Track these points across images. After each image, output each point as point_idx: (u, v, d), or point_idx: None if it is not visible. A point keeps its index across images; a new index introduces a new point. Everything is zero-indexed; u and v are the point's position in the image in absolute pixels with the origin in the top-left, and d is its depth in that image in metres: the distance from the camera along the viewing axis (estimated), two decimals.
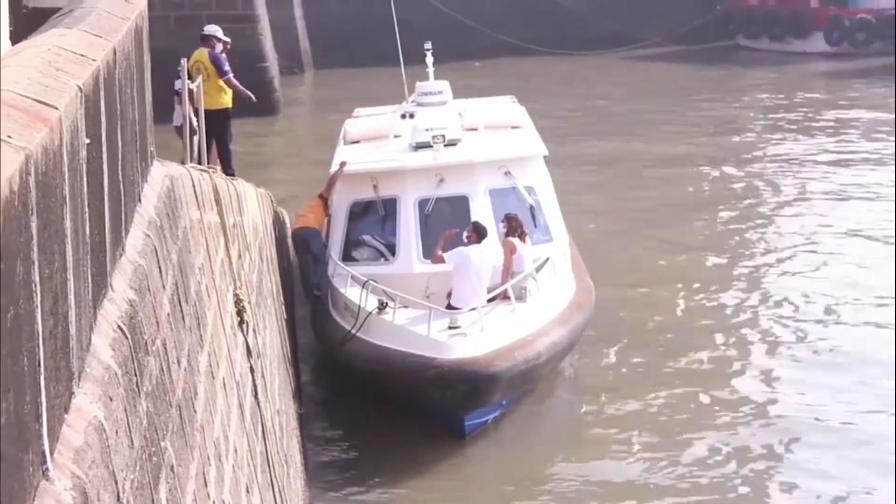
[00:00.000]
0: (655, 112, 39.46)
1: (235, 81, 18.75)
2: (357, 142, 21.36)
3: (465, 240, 17.74)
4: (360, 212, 19.44)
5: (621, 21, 50.95)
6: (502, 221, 18.11)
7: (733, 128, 37.69)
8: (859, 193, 28.89)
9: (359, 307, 17.21)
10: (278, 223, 21.74)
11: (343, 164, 19.65)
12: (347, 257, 18.97)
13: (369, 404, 17.41)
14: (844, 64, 47.82)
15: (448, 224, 18.46)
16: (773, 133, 36.98)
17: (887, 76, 43.89)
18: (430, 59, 22.63)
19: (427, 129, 19.62)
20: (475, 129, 20.47)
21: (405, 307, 17.24)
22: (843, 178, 30.45)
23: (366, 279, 17.65)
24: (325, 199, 19.79)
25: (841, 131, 36.41)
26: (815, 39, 50.67)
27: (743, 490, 15.33)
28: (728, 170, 32.08)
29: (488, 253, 17.49)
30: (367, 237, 19.20)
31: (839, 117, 38.54)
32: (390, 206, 19.13)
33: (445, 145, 19.41)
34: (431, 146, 19.38)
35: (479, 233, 17.71)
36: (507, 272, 17.60)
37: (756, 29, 52.56)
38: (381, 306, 17.14)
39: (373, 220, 19.29)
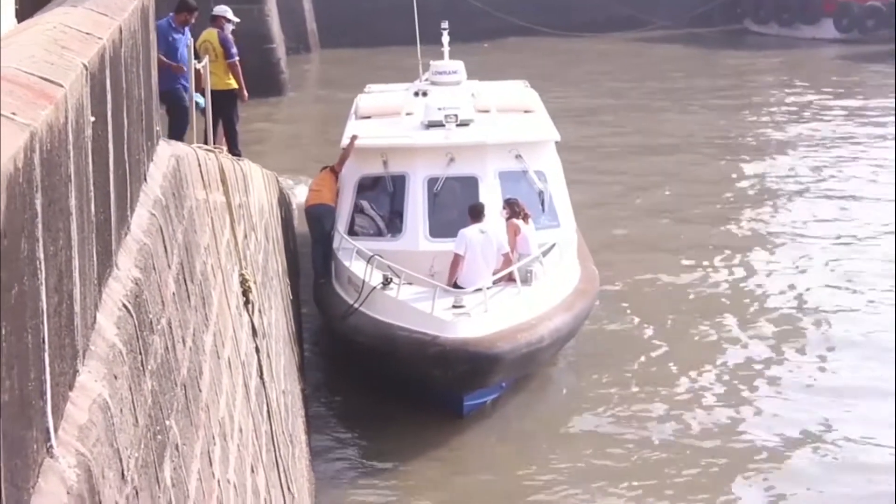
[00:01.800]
0: (663, 96, 39.35)
1: (239, 68, 18.68)
2: (369, 117, 21.30)
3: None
4: (369, 186, 19.41)
5: (630, 4, 50.80)
6: (503, 207, 18.04)
7: (741, 111, 37.57)
8: (867, 190, 28.70)
9: (363, 281, 17.19)
10: (284, 203, 21.74)
11: (354, 137, 19.62)
12: (353, 231, 18.94)
13: (372, 385, 17.40)
14: (853, 49, 47.67)
15: (456, 204, 18.42)
16: (781, 117, 36.86)
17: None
18: (446, 38, 22.62)
19: (440, 108, 19.58)
20: (487, 111, 20.41)
21: (409, 284, 17.22)
22: (854, 168, 30.26)
23: (371, 254, 17.63)
24: (336, 173, 19.75)
25: (850, 118, 36.28)
26: (825, 25, 50.50)
27: (742, 476, 15.34)
28: (735, 155, 31.99)
29: (490, 233, 17.43)
30: (365, 204, 19.12)
31: (848, 104, 38.41)
32: (399, 182, 19.10)
33: (457, 125, 19.37)
34: (443, 125, 19.34)
35: (472, 213, 17.65)
36: (511, 255, 17.57)
37: (765, 14, 52.40)
38: (386, 282, 17.12)
39: (381, 195, 19.27)
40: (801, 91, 40.74)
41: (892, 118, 34.67)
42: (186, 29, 17.03)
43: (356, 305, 17.19)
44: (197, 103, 16.47)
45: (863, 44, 48.44)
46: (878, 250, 23.45)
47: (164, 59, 15.91)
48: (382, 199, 19.22)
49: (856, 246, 23.94)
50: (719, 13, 52.96)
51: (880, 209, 26.10)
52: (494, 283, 17.09)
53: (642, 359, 18.69)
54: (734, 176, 29.76)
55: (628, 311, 20.43)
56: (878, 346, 18.96)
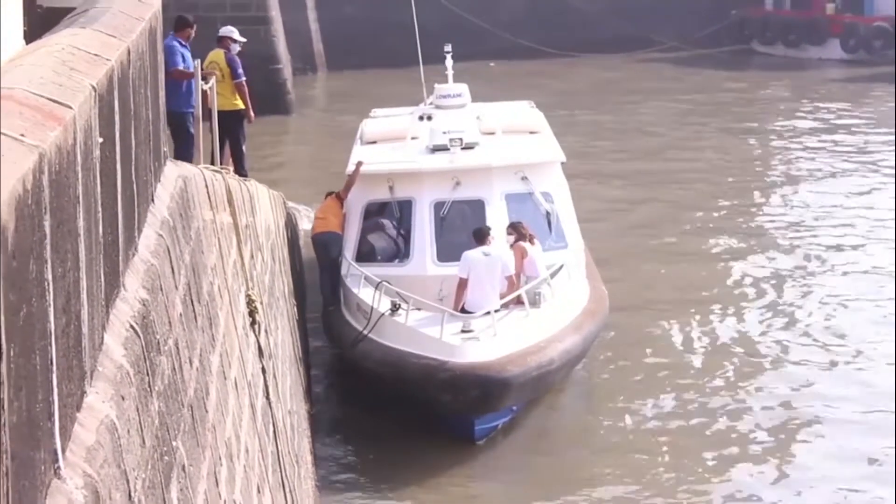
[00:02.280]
0: (668, 117, 39.37)
1: (245, 89, 18.71)
2: (374, 142, 21.23)
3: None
4: (376, 212, 19.39)
5: (636, 24, 50.87)
6: (508, 231, 18.00)
7: (748, 132, 37.60)
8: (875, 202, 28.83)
9: (371, 308, 17.18)
10: (290, 224, 21.74)
11: (360, 163, 19.59)
12: (361, 257, 18.91)
13: (380, 406, 17.36)
14: (860, 70, 47.69)
15: (463, 227, 18.37)
16: (788, 138, 36.87)
17: None
18: (449, 61, 22.58)
19: (444, 132, 19.53)
20: (493, 133, 20.34)
21: (418, 309, 17.18)
22: (859, 184, 30.37)
23: (379, 280, 17.61)
24: (341, 200, 19.75)
25: (857, 138, 36.28)
26: (831, 46, 50.53)
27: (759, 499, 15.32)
28: (741, 174, 32.01)
29: (495, 255, 17.40)
30: (374, 236, 19.12)
31: (855, 123, 38.43)
32: (406, 207, 19.07)
33: (462, 148, 19.30)
34: (448, 149, 19.28)
35: (477, 237, 17.60)
36: (520, 277, 17.53)
37: (771, 35, 52.44)
38: (394, 308, 17.09)
39: (388, 221, 19.24)
40: (807, 113, 40.71)
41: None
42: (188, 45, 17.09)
43: (365, 332, 17.14)
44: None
45: (870, 65, 48.46)
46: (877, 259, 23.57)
47: (184, 71, 16.01)
48: (389, 224, 19.19)
49: (861, 259, 24.01)
50: (726, 34, 53.02)
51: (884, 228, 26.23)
52: (502, 306, 17.05)
53: (654, 377, 18.61)
54: (740, 197, 29.70)
55: (638, 331, 20.37)
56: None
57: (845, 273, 23.50)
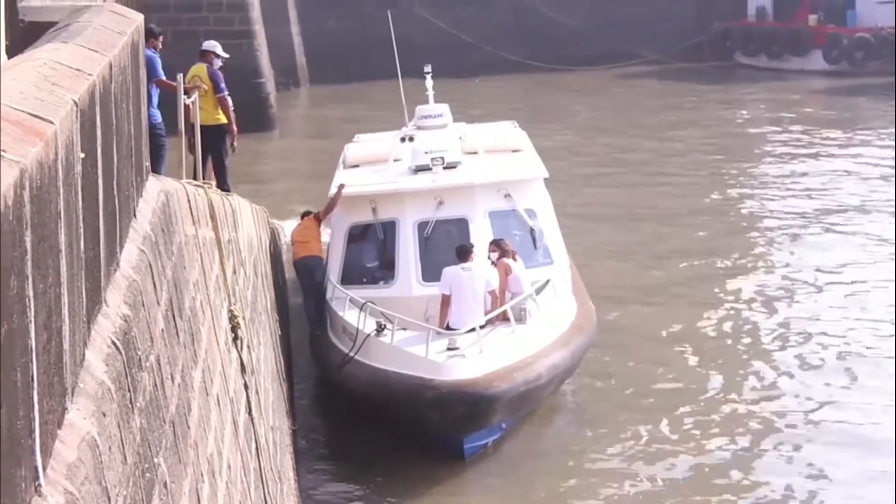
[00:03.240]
0: (651, 131, 39.45)
1: (229, 102, 18.68)
2: (357, 166, 21.25)
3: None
4: (360, 234, 19.34)
5: (619, 38, 51.02)
6: (490, 248, 17.96)
7: (731, 143, 37.71)
8: (859, 206, 28.93)
9: (357, 329, 17.11)
10: (273, 239, 21.72)
11: (342, 186, 19.58)
12: (346, 280, 18.86)
13: (366, 423, 17.31)
14: (843, 82, 47.88)
15: (447, 247, 18.31)
16: (772, 149, 37.01)
17: (886, 94, 43.99)
18: (429, 82, 22.59)
19: (426, 152, 19.51)
20: (475, 153, 20.34)
21: (403, 329, 17.12)
22: (844, 193, 30.51)
23: (364, 301, 17.54)
24: (319, 221, 19.76)
25: (841, 148, 36.41)
26: (814, 57, 50.77)
27: None
28: (725, 186, 32.11)
29: (476, 270, 17.38)
30: (358, 259, 19.12)
31: (839, 135, 38.56)
32: (389, 228, 19.01)
33: (445, 168, 19.29)
34: (430, 168, 19.26)
35: (460, 254, 17.57)
36: (504, 294, 17.49)
37: (754, 47, 52.67)
38: (380, 328, 17.03)
39: (372, 242, 19.19)
40: (789, 125, 40.81)
41: (891, 149, 34.76)
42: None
43: (352, 354, 17.10)
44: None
45: (852, 76, 48.68)
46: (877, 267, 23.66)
47: (168, 82, 16.03)
48: (373, 246, 19.16)
49: (855, 262, 24.13)
50: (709, 46, 53.19)
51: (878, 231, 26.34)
52: (488, 322, 16.99)
53: (644, 392, 18.60)
54: (724, 211, 29.81)
55: (627, 345, 20.35)
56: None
57: (839, 283, 23.57)
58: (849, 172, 32.95)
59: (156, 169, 15.34)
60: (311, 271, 19.32)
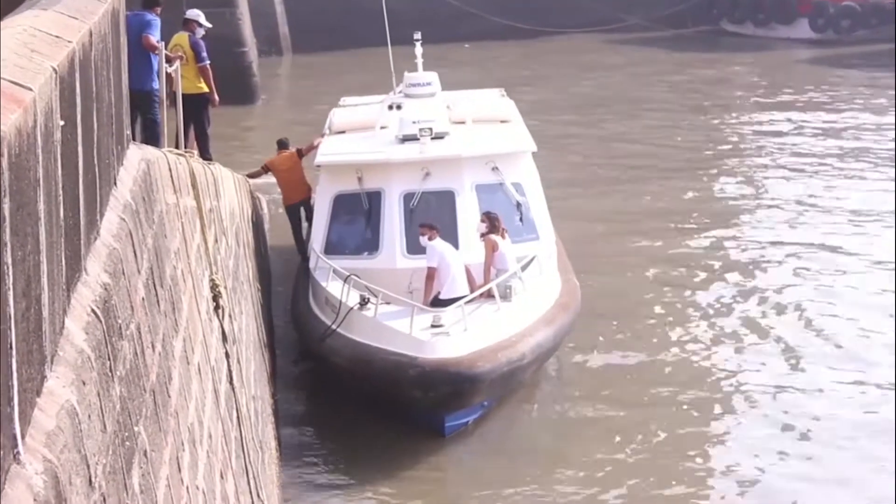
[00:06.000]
0: (636, 102, 39.38)
1: (210, 72, 18.61)
2: (343, 132, 21.09)
3: (427, 239, 17.52)
4: (345, 204, 19.20)
5: (605, 3, 50.89)
6: (482, 219, 17.90)
7: (716, 112, 37.66)
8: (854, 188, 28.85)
9: (340, 302, 17.04)
10: (255, 208, 21.68)
11: (323, 134, 20.17)
12: (330, 250, 18.78)
13: (347, 394, 17.26)
14: (828, 51, 47.85)
15: (433, 219, 18.15)
16: (758, 119, 36.90)
17: (873, 63, 43.94)
18: (419, 49, 22.42)
19: (414, 122, 19.24)
20: (463, 123, 20.14)
21: (387, 303, 17.00)
22: (836, 168, 30.43)
23: (348, 274, 17.44)
24: (301, 157, 20.78)
25: (832, 122, 36.29)
26: (800, 26, 50.69)
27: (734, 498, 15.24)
28: (709, 164, 31.99)
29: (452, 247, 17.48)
30: (343, 228, 19.12)
31: (828, 104, 38.51)
32: (375, 199, 18.87)
33: (432, 138, 19.04)
34: (418, 139, 19.03)
35: (433, 229, 17.53)
36: (489, 270, 17.42)
37: (740, 14, 52.59)
38: (363, 302, 16.92)
39: (357, 213, 19.09)
40: (774, 95, 40.72)
41: (884, 123, 34.68)
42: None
43: (334, 327, 16.99)
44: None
45: (838, 45, 48.68)
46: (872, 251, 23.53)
47: (153, 42, 15.94)
48: (358, 216, 19.05)
49: (845, 245, 23.96)
50: (695, 13, 53.10)
51: (871, 204, 26.35)
52: (473, 300, 16.92)
53: (626, 371, 18.47)
54: (708, 186, 29.71)
55: (611, 324, 20.12)
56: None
57: (834, 261, 23.21)
58: (849, 149, 32.62)
59: (152, 138, 15.30)
60: (297, 211, 20.75)
